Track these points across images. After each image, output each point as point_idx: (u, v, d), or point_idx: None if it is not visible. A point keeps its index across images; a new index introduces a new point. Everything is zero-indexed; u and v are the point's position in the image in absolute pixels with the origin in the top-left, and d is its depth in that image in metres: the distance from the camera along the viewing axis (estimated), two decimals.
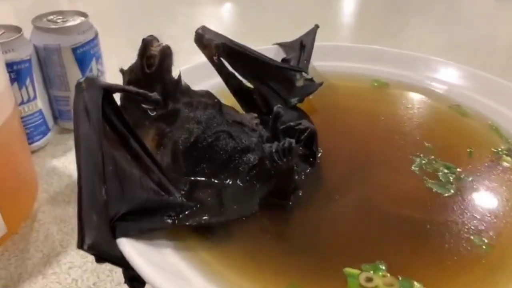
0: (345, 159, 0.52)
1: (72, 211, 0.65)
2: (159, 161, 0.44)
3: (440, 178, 0.48)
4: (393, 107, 0.61)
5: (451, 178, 0.48)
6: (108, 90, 0.40)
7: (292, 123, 0.48)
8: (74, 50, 0.73)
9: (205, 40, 0.52)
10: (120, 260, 0.36)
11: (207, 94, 0.51)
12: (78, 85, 0.40)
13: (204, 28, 0.53)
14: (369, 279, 0.37)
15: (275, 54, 0.66)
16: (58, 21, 0.74)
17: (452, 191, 0.46)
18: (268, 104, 0.56)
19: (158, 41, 0.48)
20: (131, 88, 0.42)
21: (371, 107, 0.61)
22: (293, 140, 0.42)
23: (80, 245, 0.35)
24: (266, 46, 0.67)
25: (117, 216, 0.38)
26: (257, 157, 0.46)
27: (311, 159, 0.49)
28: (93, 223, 0.36)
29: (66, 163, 0.74)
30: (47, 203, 0.66)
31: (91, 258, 0.51)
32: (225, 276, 0.38)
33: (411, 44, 1.17)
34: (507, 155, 0.52)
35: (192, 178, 0.46)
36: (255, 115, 0.51)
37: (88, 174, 0.37)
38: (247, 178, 0.45)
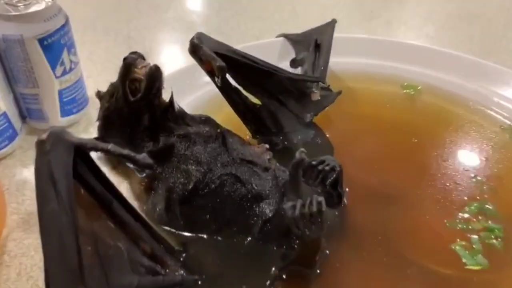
0: (372, 194, 0.44)
1: None
2: (149, 221, 0.34)
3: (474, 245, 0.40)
4: (429, 122, 0.51)
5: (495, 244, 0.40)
6: (81, 150, 0.30)
7: (314, 162, 0.39)
8: (40, 41, 0.61)
9: (202, 54, 0.42)
10: None
11: (208, 121, 0.41)
12: (40, 145, 0.29)
13: (200, 36, 0.42)
14: None
15: (280, 49, 0.55)
16: (19, 5, 0.61)
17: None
18: (278, 123, 0.46)
19: (143, 59, 0.38)
20: (114, 148, 0.32)
21: (401, 120, 0.52)
22: (322, 200, 0.33)
23: None
24: (269, 40, 0.56)
25: None
26: (272, 207, 0.37)
27: (335, 201, 0.40)
28: None
29: None
30: (18, 229, 0.57)
31: None
32: None
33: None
34: None
35: (192, 235, 0.37)
36: (266, 146, 0.42)
37: (59, 274, 0.28)
38: (260, 234, 0.37)
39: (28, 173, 0.63)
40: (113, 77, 0.85)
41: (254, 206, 0.37)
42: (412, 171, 0.46)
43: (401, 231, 0.40)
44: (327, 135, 0.49)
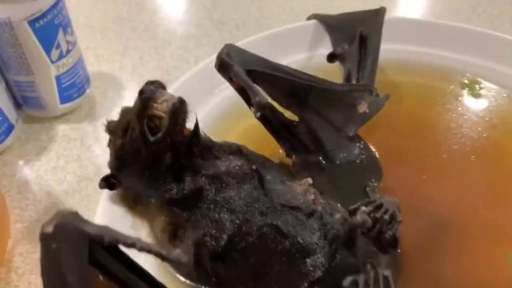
0: (421, 220, 0.38)
1: None
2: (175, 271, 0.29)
3: None
4: (496, 130, 0.44)
5: None
6: (96, 243, 0.24)
7: (370, 208, 0.32)
8: (31, 23, 0.52)
9: (234, 76, 0.34)
10: None
11: (239, 151, 0.34)
12: (45, 241, 0.23)
13: (229, 51, 0.34)
14: None
15: (313, 36, 0.47)
16: None
17: None
18: (317, 140, 0.40)
19: (163, 91, 0.30)
20: (140, 244, 0.25)
21: (463, 127, 0.45)
22: (388, 275, 0.27)
23: None
24: (298, 24, 0.47)
25: None
26: (321, 265, 0.32)
27: (389, 248, 0.35)
28: None
29: (41, 172, 0.58)
30: (24, 240, 0.52)
31: None
32: None
33: None
34: None
35: None
36: (309, 181, 0.36)
37: None
38: None
39: (29, 172, 0.58)
40: (113, 49, 0.76)
41: (299, 263, 0.32)
42: (470, 192, 0.40)
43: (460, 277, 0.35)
44: (371, 146, 0.42)
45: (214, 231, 0.32)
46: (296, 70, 0.38)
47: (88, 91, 0.64)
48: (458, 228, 0.40)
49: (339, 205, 0.37)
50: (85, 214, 0.52)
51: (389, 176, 0.41)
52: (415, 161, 0.44)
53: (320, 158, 0.40)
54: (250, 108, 0.36)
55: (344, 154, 0.41)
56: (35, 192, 0.56)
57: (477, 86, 0.46)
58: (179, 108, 0.31)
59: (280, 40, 0.46)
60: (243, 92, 0.36)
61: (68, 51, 0.58)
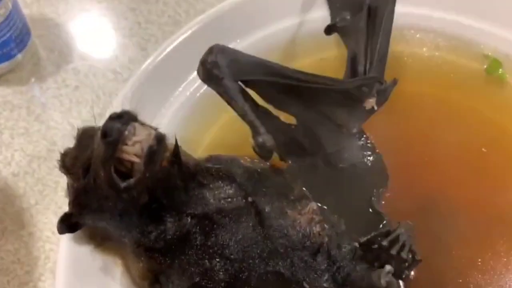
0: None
1: (11, 249, 0.45)
2: None
3: None
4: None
5: None
6: None
7: (384, 243, 0.28)
8: None
9: (224, 93, 0.26)
10: None
11: (229, 176, 0.28)
12: None
13: (216, 57, 0.26)
14: None
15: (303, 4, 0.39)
16: None
17: None
18: (317, 142, 0.34)
19: (135, 127, 0.23)
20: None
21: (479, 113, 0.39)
22: None
23: None
24: None
25: None
26: None
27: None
28: None
29: None
30: None
31: None
32: None
33: None
34: None
35: None
36: (313, 207, 0.30)
37: None
38: None
39: None
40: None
41: None
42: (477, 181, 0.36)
43: None
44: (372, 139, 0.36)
45: (205, 281, 0.27)
46: (295, 71, 0.30)
47: (29, 44, 0.54)
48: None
49: (342, 223, 0.32)
50: (39, 203, 0.46)
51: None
52: (420, 149, 0.39)
53: (320, 161, 0.34)
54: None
55: (347, 156, 0.35)
56: None
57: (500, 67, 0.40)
58: (157, 151, 0.23)
59: (268, 3, 0.37)
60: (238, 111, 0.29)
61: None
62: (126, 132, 0.24)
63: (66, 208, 0.47)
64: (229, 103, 0.29)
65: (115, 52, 0.55)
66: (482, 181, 0.38)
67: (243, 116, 0.26)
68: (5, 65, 0.51)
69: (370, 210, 0.34)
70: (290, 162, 0.34)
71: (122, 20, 0.57)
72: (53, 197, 0.47)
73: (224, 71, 0.27)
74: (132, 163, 0.24)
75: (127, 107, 0.28)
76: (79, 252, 0.30)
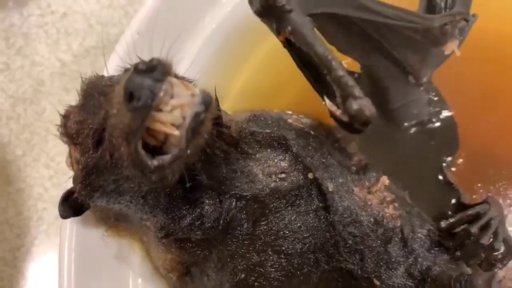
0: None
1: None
2: None
3: None
4: None
5: None
6: None
7: (473, 229, 0.22)
8: None
9: (292, 31, 0.19)
10: None
11: (281, 145, 0.21)
12: None
13: None
14: None
15: None
16: None
17: None
18: (381, 93, 0.27)
19: (172, 84, 0.16)
20: None
21: None
22: None
23: None
24: None
25: None
26: None
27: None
28: None
29: None
30: None
31: None
32: None
33: None
34: None
35: None
36: (384, 182, 0.24)
37: None
38: None
39: None
40: None
41: None
42: None
43: None
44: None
45: (252, 279, 0.21)
46: (374, 1, 0.22)
47: None
48: None
49: (408, 198, 0.26)
50: (27, 154, 0.39)
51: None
52: (494, 100, 0.32)
53: (382, 119, 0.27)
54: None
55: (413, 112, 0.28)
56: None
57: None
58: (204, 120, 0.16)
59: None
60: (289, 43, 0.21)
61: None
62: (161, 93, 0.16)
63: (59, 160, 0.41)
64: (296, 50, 0.21)
65: None
66: None
67: (328, 67, 0.19)
68: None
69: (440, 180, 0.28)
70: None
71: None
72: (43, 147, 0.40)
73: (292, 1, 0.19)
74: (167, 134, 0.17)
75: (142, 46, 0.20)
76: (87, 238, 0.23)
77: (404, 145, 0.29)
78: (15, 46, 0.43)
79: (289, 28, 0.20)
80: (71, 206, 0.23)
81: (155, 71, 0.16)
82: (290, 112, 0.27)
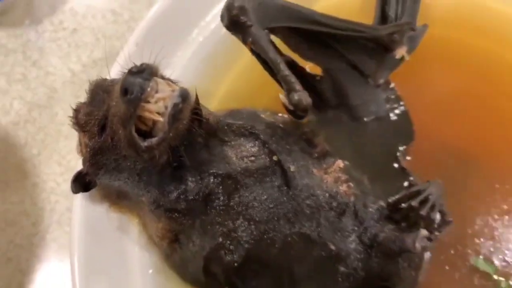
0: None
1: (16, 200, 0.43)
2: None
3: None
4: None
5: None
6: None
7: (414, 203, 0.27)
8: None
9: (253, 42, 0.24)
10: None
11: (252, 133, 0.26)
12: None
13: (242, 5, 0.23)
14: None
15: None
16: None
17: None
18: (343, 94, 0.32)
19: (157, 83, 0.21)
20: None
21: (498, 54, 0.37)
22: None
23: None
24: None
25: None
26: (355, 272, 0.27)
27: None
28: None
29: None
30: None
31: None
32: None
33: None
34: None
35: None
36: (339, 164, 0.29)
37: None
38: None
39: None
40: None
41: (330, 273, 0.27)
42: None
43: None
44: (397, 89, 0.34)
45: (228, 242, 0.26)
46: (325, 16, 0.27)
47: None
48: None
49: (367, 180, 0.31)
50: (42, 153, 0.44)
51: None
52: (448, 101, 0.37)
53: (344, 114, 0.32)
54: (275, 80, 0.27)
55: (372, 109, 0.33)
56: None
57: None
58: (182, 109, 0.21)
59: None
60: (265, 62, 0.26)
61: None
62: (149, 89, 0.21)
63: (69, 158, 0.46)
64: (259, 55, 0.26)
65: None
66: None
67: (277, 69, 0.24)
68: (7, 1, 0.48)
69: (395, 166, 0.33)
70: (312, 115, 0.32)
71: None
72: (55, 146, 0.45)
73: (251, 17, 0.25)
74: (154, 121, 0.22)
75: (140, 55, 0.25)
76: (93, 212, 0.28)
77: (364, 137, 0.33)
78: (31, 59, 0.48)
79: (250, 39, 0.25)
80: (81, 184, 0.28)
81: (144, 72, 0.21)
82: (265, 110, 0.32)
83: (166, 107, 0.22)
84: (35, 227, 0.43)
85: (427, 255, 0.29)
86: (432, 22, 0.35)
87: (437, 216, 0.27)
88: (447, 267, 0.31)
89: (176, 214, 0.26)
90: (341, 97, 0.32)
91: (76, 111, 0.26)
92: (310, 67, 0.31)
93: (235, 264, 0.26)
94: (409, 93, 0.35)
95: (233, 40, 0.29)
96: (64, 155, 0.45)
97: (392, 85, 0.35)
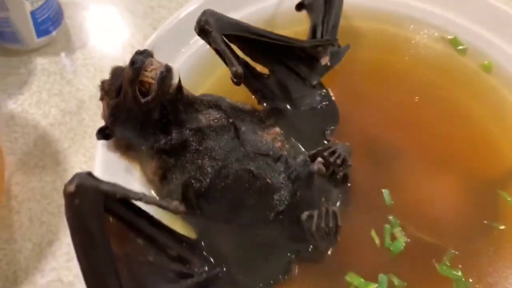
0: (375, 176, 0.46)
1: (50, 180, 0.57)
2: (171, 229, 0.37)
3: None
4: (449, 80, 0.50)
5: None
6: (111, 196, 0.30)
7: (326, 153, 0.40)
8: None
9: (213, 43, 0.38)
10: None
11: (218, 104, 0.40)
12: (69, 198, 0.29)
13: (207, 18, 0.38)
14: None
15: None
16: None
17: None
18: (285, 89, 0.46)
19: (152, 60, 0.35)
20: (146, 198, 0.31)
21: (411, 72, 0.51)
22: (336, 211, 0.35)
23: None
24: None
25: None
26: (285, 200, 0.39)
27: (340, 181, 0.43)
28: None
29: (26, 106, 0.62)
30: (18, 171, 0.57)
31: None
32: None
33: None
34: None
35: (208, 223, 0.40)
36: (277, 130, 0.42)
37: None
38: (273, 224, 0.40)
39: (14, 105, 0.61)
40: None
41: (268, 199, 0.39)
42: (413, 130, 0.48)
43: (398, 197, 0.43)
44: (332, 91, 0.48)
45: (198, 174, 0.39)
46: (266, 31, 0.42)
47: (62, 23, 0.66)
48: (405, 162, 0.47)
49: (302, 147, 0.44)
50: (71, 147, 0.58)
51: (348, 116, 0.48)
52: (371, 102, 0.50)
53: (287, 105, 0.46)
54: (227, 66, 0.41)
55: (308, 101, 0.47)
56: (22, 125, 0.60)
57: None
58: (166, 76, 0.35)
59: None
60: (220, 55, 0.41)
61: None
62: (147, 62, 0.36)
63: (92, 151, 0.59)
64: (215, 48, 0.40)
65: (131, 31, 0.67)
66: (417, 130, 0.49)
67: (224, 55, 0.38)
68: (43, 39, 0.64)
69: (322, 139, 0.46)
70: (264, 104, 0.46)
71: (137, 5, 0.70)
72: (82, 142, 0.59)
73: (212, 26, 0.39)
74: (150, 84, 0.36)
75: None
76: (110, 156, 0.42)
77: (301, 120, 0.46)
78: (66, 79, 0.63)
79: (211, 40, 0.39)
80: (102, 134, 0.42)
81: (144, 53, 0.36)
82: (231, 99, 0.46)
83: (156, 74, 0.36)
84: (63, 200, 0.56)
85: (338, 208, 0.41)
86: (354, 43, 0.50)
87: (338, 161, 0.40)
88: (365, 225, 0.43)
89: (164, 155, 0.39)
90: (284, 92, 0.46)
91: (102, 83, 0.41)
92: (260, 68, 0.45)
93: (202, 190, 0.39)
94: (339, 92, 0.49)
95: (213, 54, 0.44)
96: (88, 149, 0.59)
97: (324, 87, 0.49)
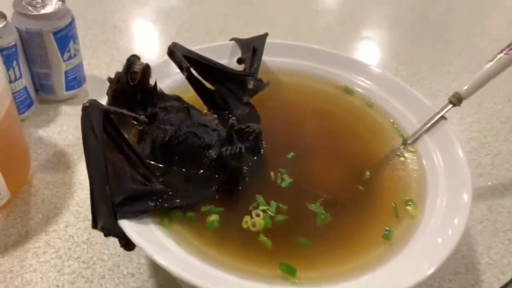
0: (283, 149, 0.69)
1: (61, 177, 0.79)
2: (142, 157, 0.59)
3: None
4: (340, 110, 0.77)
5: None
6: (107, 112, 0.54)
7: (243, 126, 0.64)
8: (54, 34, 0.83)
9: (176, 57, 0.66)
10: (121, 235, 0.52)
11: (178, 98, 0.65)
12: (85, 109, 0.53)
13: (175, 45, 0.66)
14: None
15: (232, 49, 0.80)
16: (38, 6, 0.82)
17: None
18: (225, 102, 0.71)
19: (139, 60, 0.61)
20: (126, 112, 0.56)
21: (309, 106, 0.77)
22: (243, 146, 0.58)
23: (95, 226, 0.51)
24: (225, 42, 0.80)
25: (117, 203, 0.53)
26: (216, 153, 0.62)
27: (256, 151, 0.65)
28: (102, 211, 0.51)
29: (50, 133, 0.86)
30: (39, 171, 0.80)
31: (82, 218, 0.68)
32: (195, 246, 0.55)
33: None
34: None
35: (167, 167, 0.62)
36: (215, 116, 0.67)
37: (97, 178, 0.52)
38: (208, 168, 0.61)
39: (42, 133, 0.86)
40: (102, 61, 1.06)
41: (205, 152, 0.61)
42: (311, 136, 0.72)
43: (301, 171, 0.65)
44: (258, 111, 0.73)
45: (162, 134, 0.62)
46: (212, 60, 0.70)
47: (84, 85, 0.95)
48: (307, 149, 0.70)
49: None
50: (79, 158, 0.82)
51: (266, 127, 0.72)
52: (287, 115, 0.75)
53: (227, 112, 0.71)
54: (184, 74, 0.68)
55: (240, 112, 0.71)
56: (46, 144, 0.85)
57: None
58: (147, 69, 0.62)
59: (214, 50, 0.78)
60: (181, 69, 0.68)
61: (74, 55, 0.88)
62: (136, 60, 0.62)
63: None
64: (178, 63, 0.67)
65: None
66: (318, 134, 0.74)
67: (183, 65, 0.65)
68: (69, 93, 0.91)
69: None
70: (211, 111, 0.71)
71: None
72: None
73: (177, 49, 0.67)
74: (136, 73, 0.62)
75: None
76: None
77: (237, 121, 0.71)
78: None
79: (176, 59, 0.66)
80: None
81: (135, 56, 0.62)
82: None
83: (141, 67, 0.62)
84: (69, 189, 0.78)
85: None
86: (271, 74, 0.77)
87: (250, 129, 0.64)
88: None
89: (142, 125, 0.63)
90: (225, 104, 0.72)
91: (110, 78, 0.66)
92: (209, 86, 0.72)
93: (164, 143, 0.61)
94: (264, 107, 0.75)
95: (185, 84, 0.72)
96: None
97: (252, 104, 0.75)
